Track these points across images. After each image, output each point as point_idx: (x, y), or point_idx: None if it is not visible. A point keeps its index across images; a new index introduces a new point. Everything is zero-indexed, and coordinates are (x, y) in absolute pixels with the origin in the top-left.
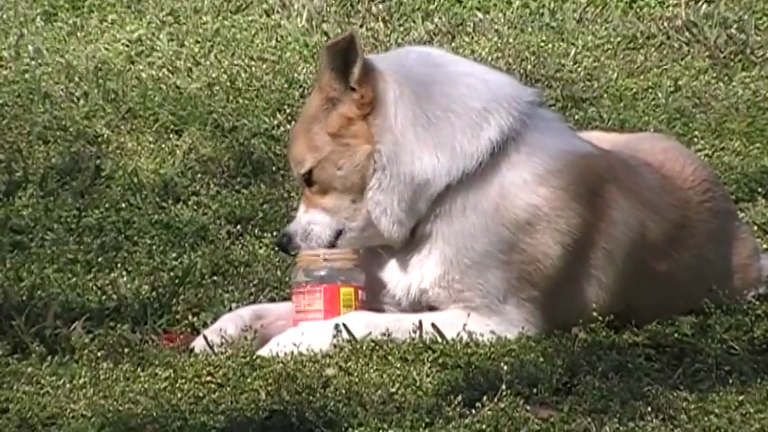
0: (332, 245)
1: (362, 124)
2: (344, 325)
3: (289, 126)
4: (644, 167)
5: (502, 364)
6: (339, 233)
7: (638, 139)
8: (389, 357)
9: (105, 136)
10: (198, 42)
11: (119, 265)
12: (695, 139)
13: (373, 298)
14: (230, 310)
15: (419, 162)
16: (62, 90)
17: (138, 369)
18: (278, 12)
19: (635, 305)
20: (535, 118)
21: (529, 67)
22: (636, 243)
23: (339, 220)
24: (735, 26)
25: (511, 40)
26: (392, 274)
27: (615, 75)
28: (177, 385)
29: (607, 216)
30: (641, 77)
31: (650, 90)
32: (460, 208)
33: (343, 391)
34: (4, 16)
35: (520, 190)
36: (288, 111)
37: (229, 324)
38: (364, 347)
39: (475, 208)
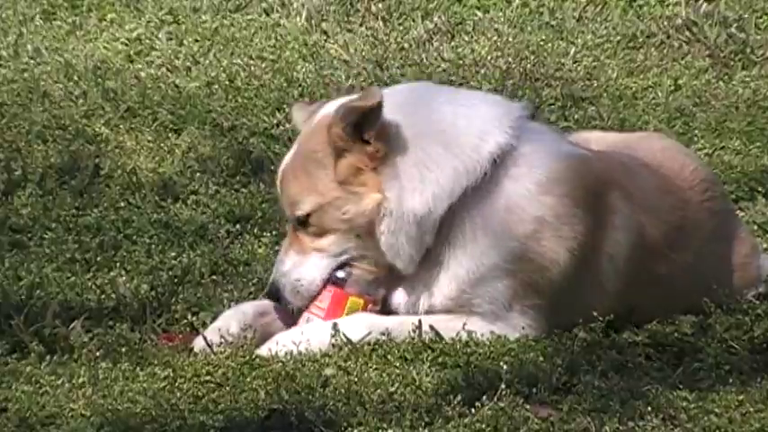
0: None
1: (372, 174)
2: (341, 328)
3: (288, 125)
4: (642, 168)
5: (501, 363)
6: (341, 266)
7: (636, 139)
8: (389, 357)
9: (104, 135)
10: (197, 41)
11: (118, 264)
12: (695, 139)
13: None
14: (230, 308)
15: (419, 196)
16: (61, 89)
17: (137, 368)
18: (277, 11)
19: (637, 306)
20: (527, 131)
21: (528, 66)
22: (635, 246)
23: (337, 259)
24: (735, 25)
25: (510, 39)
26: (400, 295)
27: (615, 74)
28: (176, 385)
29: (608, 220)
30: (641, 76)
31: (650, 89)
32: (470, 232)
33: (343, 391)
34: (3, 15)
35: (525, 201)
36: (287, 110)
37: (232, 321)
38: (364, 347)
39: (484, 229)
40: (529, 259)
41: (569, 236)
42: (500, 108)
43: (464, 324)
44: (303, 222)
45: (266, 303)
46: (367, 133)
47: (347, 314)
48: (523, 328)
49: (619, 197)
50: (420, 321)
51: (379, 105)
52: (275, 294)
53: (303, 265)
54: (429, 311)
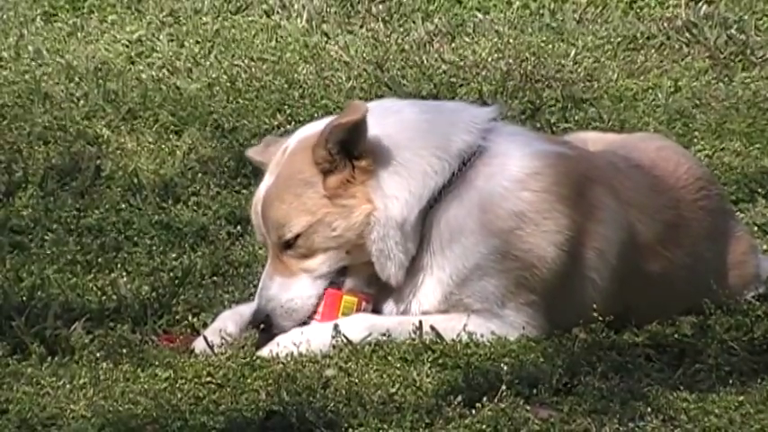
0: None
1: (361, 187)
2: (342, 329)
3: (289, 127)
4: (633, 169)
5: (502, 364)
6: (332, 283)
7: (633, 140)
8: (389, 358)
9: (105, 136)
10: (198, 43)
11: (119, 265)
12: (695, 140)
13: None
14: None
15: (397, 203)
16: (62, 90)
17: (138, 370)
18: (278, 12)
19: (632, 305)
20: (497, 132)
21: (529, 67)
22: (626, 243)
23: (327, 279)
24: (735, 27)
25: (511, 41)
26: (389, 304)
27: (615, 75)
28: (177, 386)
29: (594, 216)
30: (641, 78)
31: (650, 91)
32: (448, 236)
33: (343, 392)
34: (5, 17)
35: (502, 199)
36: (288, 111)
37: (229, 322)
38: (365, 348)
39: (461, 230)
40: (514, 256)
41: (554, 230)
42: (466, 112)
43: (464, 325)
44: (290, 245)
45: None
46: (357, 149)
47: (342, 314)
48: (524, 327)
49: (603, 193)
50: (420, 322)
51: (365, 118)
52: (263, 321)
53: (293, 285)
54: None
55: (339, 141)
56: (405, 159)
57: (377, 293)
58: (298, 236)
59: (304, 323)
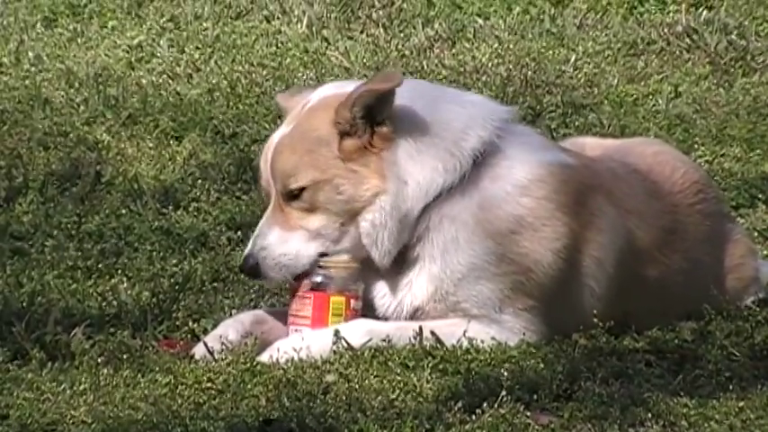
0: (308, 269)
1: (375, 157)
2: (342, 334)
3: None
4: (630, 175)
5: (502, 370)
6: (322, 255)
7: (630, 144)
8: (389, 363)
9: (105, 142)
10: (198, 48)
11: (119, 271)
12: (695, 146)
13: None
14: (231, 316)
15: (405, 190)
16: (62, 96)
17: (139, 375)
18: (278, 18)
19: (630, 311)
20: (512, 132)
21: (529, 73)
22: (624, 250)
23: (323, 242)
24: (735, 32)
25: (511, 47)
26: (382, 297)
27: (616, 81)
28: (177, 391)
29: (593, 224)
30: (642, 84)
31: (651, 96)
32: (445, 231)
33: (344, 398)
34: (5, 22)
35: (502, 202)
36: None
37: (230, 330)
38: (365, 354)
39: (453, 220)
40: (510, 260)
41: (552, 237)
42: (485, 107)
43: (464, 331)
44: (295, 196)
45: (264, 312)
46: (381, 114)
47: (332, 315)
48: (523, 332)
49: (604, 202)
50: (420, 328)
51: (396, 89)
52: (253, 268)
53: (289, 241)
54: (416, 314)
55: (365, 106)
56: (421, 146)
57: (368, 289)
58: (303, 189)
59: (298, 330)
